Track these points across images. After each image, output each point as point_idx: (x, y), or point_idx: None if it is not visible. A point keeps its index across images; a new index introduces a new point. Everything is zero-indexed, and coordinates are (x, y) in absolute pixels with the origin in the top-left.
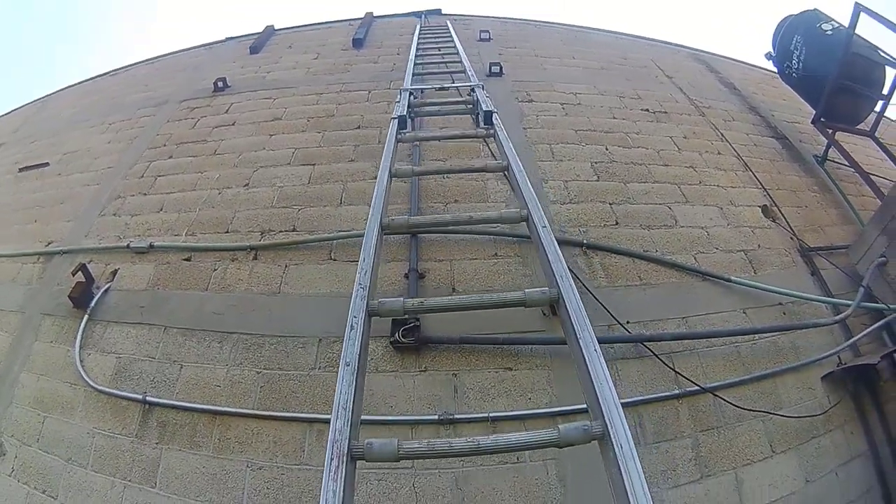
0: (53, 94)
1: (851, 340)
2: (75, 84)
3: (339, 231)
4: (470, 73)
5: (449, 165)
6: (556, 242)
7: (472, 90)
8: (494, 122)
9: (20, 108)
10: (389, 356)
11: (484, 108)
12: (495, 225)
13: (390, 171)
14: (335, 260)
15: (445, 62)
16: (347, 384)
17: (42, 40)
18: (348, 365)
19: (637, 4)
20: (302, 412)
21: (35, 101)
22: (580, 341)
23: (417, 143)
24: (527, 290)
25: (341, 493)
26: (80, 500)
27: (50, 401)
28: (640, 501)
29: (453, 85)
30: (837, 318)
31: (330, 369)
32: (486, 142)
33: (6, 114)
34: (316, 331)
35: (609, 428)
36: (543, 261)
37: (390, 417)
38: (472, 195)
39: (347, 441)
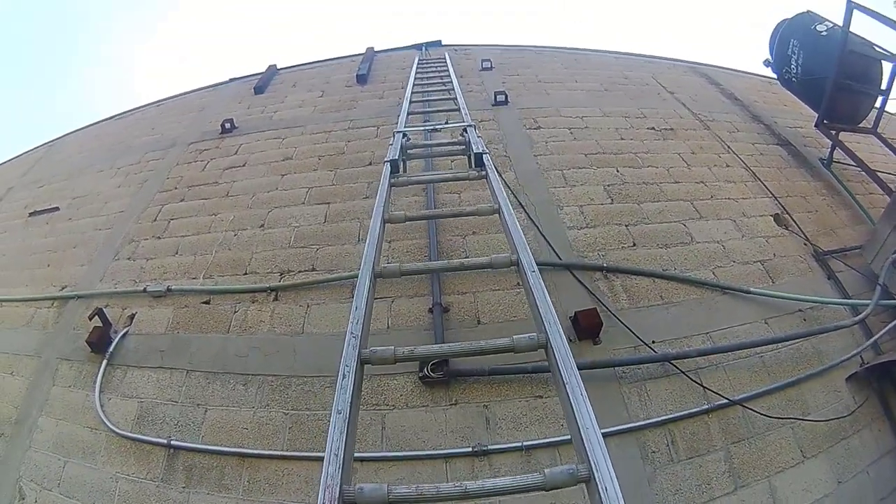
0: (60, 137)
1: (872, 339)
2: (82, 128)
3: (359, 269)
4: (463, 112)
5: (441, 210)
6: (544, 287)
7: (465, 130)
8: (486, 162)
9: (27, 152)
10: (419, 391)
11: (475, 150)
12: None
13: (383, 218)
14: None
15: (444, 98)
16: (339, 431)
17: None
18: (339, 413)
19: (631, 18)
20: None
21: (42, 145)
22: (567, 386)
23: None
24: (515, 337)
25: None
26: None
27: (70, 445)
28: None
29: (447, 126)
30: (857, 318)
31: (360, 407)
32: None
33: (13, 158)
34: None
35: (595, 472)
36: (532, 305)
37: (423, 452)
38: (491, 226)
39: (339, 486)
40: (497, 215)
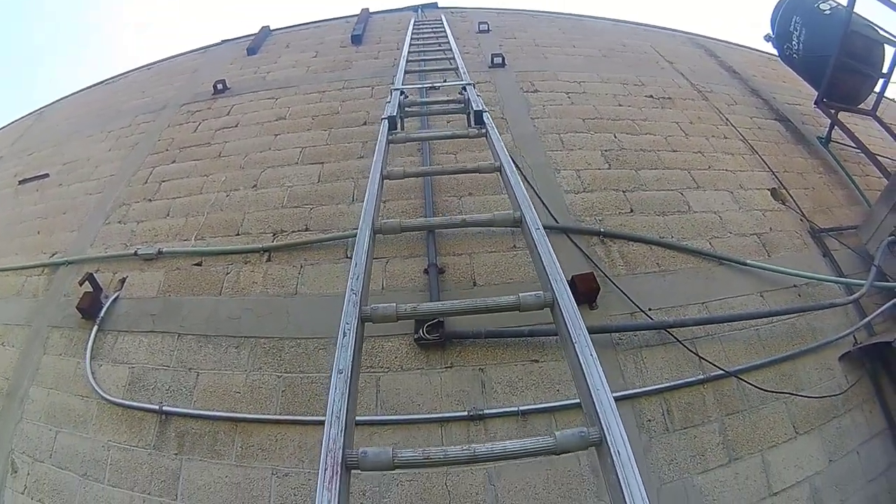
0: (49, 105)
1: (866, 320)
2: (70, 95)
3: (354, 228)
4: (462, 71)
5: (442, 167)
6: (549, 244)
7: (464, 88)
8: (485, 120)
9: (15, 121)
10: (414, 354)
11: (475, 108)
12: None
13: (381, 174)
14: (351, 258)
15: (440, 58)
16: (340, 393)
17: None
18: (341, 373)
19: None
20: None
21: (30, 113)
22: (576, 346)
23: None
24: (521, 295)
25: (336, 503)
26: None
27: (61, 415)
28: None
29: (444, 84)
30: (851, 298)
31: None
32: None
33: (2, 127)
34: (336, 331)
35: (606, 434)
36: (537, 263)
37: (418, 416)
38: (487, 187)
39: (342, 450)
40: (498, 174)
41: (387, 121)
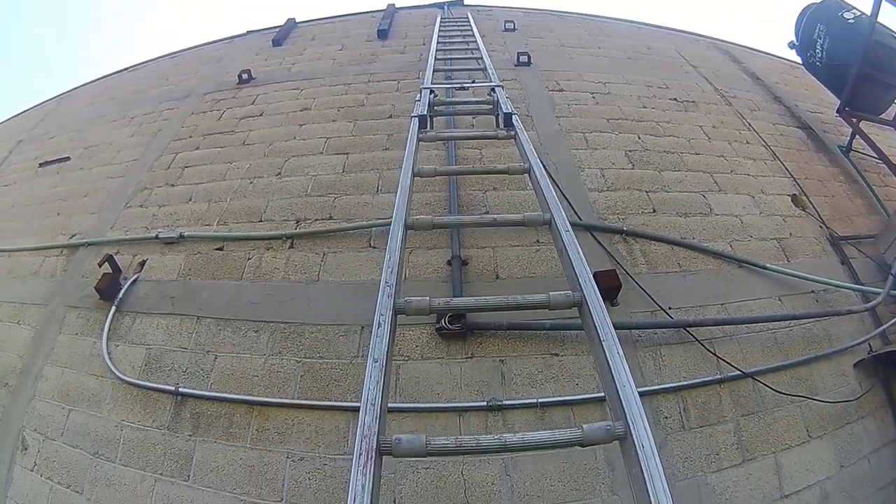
0: (70, 91)
1: (881, 328)
2: (92, 81)
3: (378, 219)
4: (490, 72)
5: (472, 166)
6: (578, 246)
7: (493, 90)
8: (514, 123)
9: (36, 105)
10: (435, 343)
11: (504, 110)
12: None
13: (413, 172)
14: (375, 248)
15: (467, 57)
16: (375, 381)
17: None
18: (376, 361)
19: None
20: (345, 401)
21: (51, 98)
22: (604, 344)
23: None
24: (551, 294)
25: (370, 488)
26: (108, 495)
27: (75, 394)
28: (660, 499)
29: (473, 85)
30: (868, 305)
31: None
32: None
33: (23, 112)
34: (358, 319)
35: (631, 428)
36: (566, 264)
37: (438, 405)
38: (511, 182)
39: (376, 437)
40: (527, 175)
41: (417, 119)
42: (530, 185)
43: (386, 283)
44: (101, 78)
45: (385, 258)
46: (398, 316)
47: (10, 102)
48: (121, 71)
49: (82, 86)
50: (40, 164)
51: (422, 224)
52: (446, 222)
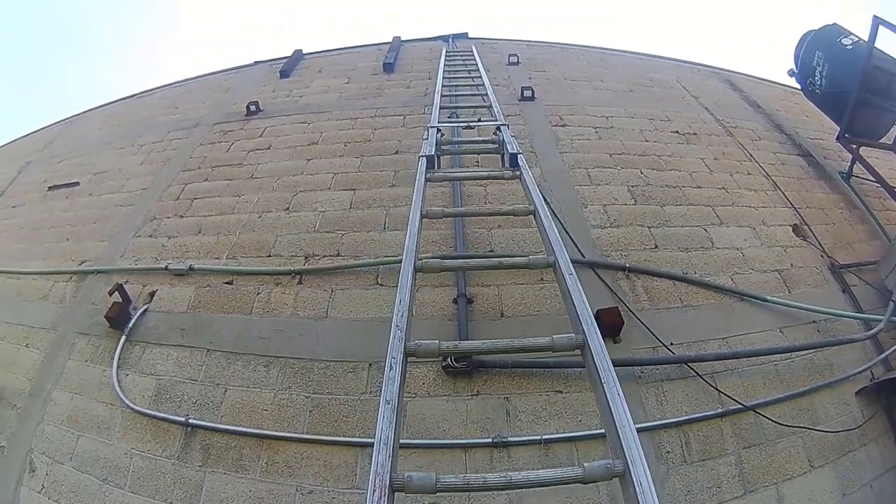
0: (79, 114)
1: (883, 355)
2: (101, 106)
3: (385, 256)
4: (496, 109)
5: (478, 206)
6: (581, 289)
7: (498, 129)
8: (520, 163)
9: (45, 127)
10: (442, 380)
11: (510, 150)
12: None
13: (421, 213)
14: (382, 285)
15: (472, 94)
16: (388, 421)
17: (52, 56)
18: (388, 403)
19: (652, 21)
20: (353, 437)
21: (60, 121)
22: (605, 386)
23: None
24: (555, 337)
25: None
26: None
27: (84, 420)
28: None
29: (479, 124)
30: (869, 333)
31: None
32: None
33: (31, 133)
34: (366, 355)
35: (630, 467)
36: (569, 306)
37: (444, 441)
38: (516, 220)
39: (389, 474)
40: (532, 216)
41: (425, 159)
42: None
43: (397, 326)
44: (110, 103)
45: (396, 301)
46: (408, 358)
47: (23, 115)
48: (129, 97)
49: (90, 110)
50: (49, 188)
51: (431, 267)
52: (454, 266)
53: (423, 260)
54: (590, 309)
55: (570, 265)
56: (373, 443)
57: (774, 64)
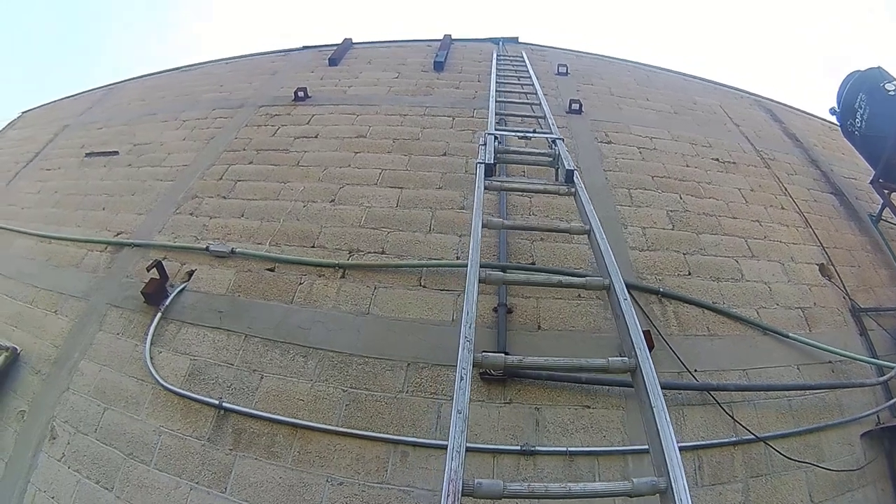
0: (120, 83)
1: (892, 402)
2: (143, 76)
3: (430, 259)
4: (550, 121)
5: (537, 222)
6: (635, 315)
7: (554, 142)
8: (576, 180)
9: (84, 92)
10: (477, 386)
11: (566, 167)
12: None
13: (482, 223)
14: (425, 287)
15: (522, 102)
16: (460, 431)
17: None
18: (460, 413)
19: (697, 41)
20: (387, 433)
21: (101, 87)
22: (654, 409)
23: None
24: (610, 359)
25: None
26: (140, 496)
27: (112, 393)
28: None
29: (535, 135)
30: (881, 379)
31: (418, 394)
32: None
33: (70, 96)
34: (405, 355)
35: (672, 485)
36: (622, 330)
37: (476, 445)
38: (558, 235)
39: (461, 480)
40: (587, 236)
41: (483, 166)
42: (576, 237)
43: (466, 337)
44: (151, 74)
45: (463, 312)
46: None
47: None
48: (171, 70)
49: (131, 79)
50: (86, 154)
51: (494, 280)
52: (517, 279)
53: (488, 272)
54: (643, 335)
55: (626, 290)
56: (407, 440)
57: (820, 92)
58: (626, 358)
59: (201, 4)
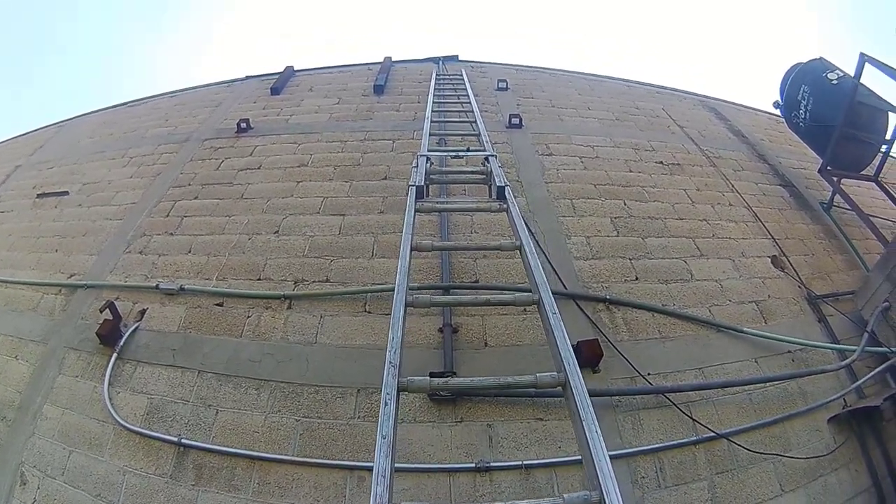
0: (70, 119)
1: (857, 384)
2: (92, 112)
3: (373, 284)
4: (484, 138)
5: (465, 238)
6: (563, 328)
7: (487, 160)
8: (507, 196)
9: (35, 130)
10: (427, 407)
11: (497, 183)
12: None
13: (411, 246)
14: (370, 312)
15: (461, 120)
16: (385, 455)
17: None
18: (384, 438)
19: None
20: (343, 459)
21: (51, 125)
22: (583, 423)
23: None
24: (538, 375)
25: None
26: None
27: (76, 436)
28: None
29: (468, 154)
30: (843, 363)
31: (370, 419)
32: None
33: (21, 135)
34: (354, 381)
35: (605, 497)
36: (552, 344)
37: (430, 466)
38: (501, 251)
39: None
40: (518, 251)
41: (414, 189)
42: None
43: (390, 363)
44: (101, 110)
45: (388, 337)
46: (400, 393)
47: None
48: (121, 105)
49: (83, 115)
50: (38, 195)
51: (421, 303)
52: (444, 301)
53: (414, 296)
54: (571, 349)
55: (555, 304)
56: (362, 465)
57: (766, 85)
58: (554, 373)
59: (154, 29)
